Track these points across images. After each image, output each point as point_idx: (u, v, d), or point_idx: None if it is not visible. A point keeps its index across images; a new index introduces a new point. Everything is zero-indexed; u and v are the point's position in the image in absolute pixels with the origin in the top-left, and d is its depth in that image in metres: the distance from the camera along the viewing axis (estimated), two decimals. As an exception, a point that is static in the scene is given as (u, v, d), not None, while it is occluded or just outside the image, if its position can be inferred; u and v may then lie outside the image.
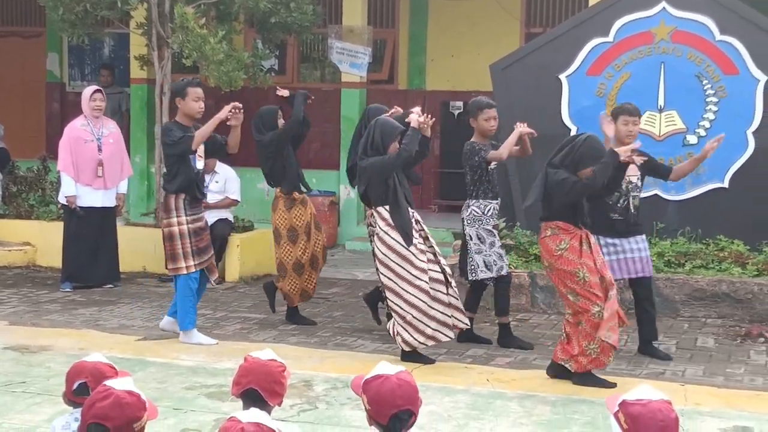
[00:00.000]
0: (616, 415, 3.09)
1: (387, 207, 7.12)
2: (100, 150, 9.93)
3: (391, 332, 7.29)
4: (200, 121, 7.88)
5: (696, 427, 5.92)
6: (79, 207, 9.86)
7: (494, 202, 7.85)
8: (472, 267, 7.81)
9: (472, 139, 7.92)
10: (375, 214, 7.24)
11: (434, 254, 7.24)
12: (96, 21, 11.23)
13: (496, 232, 7.87)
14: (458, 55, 14.21)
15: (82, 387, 3.61)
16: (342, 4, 13.11)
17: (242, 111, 7.75)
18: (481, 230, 7.78)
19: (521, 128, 7.72)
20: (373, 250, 7.34)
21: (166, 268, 7.91)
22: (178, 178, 7.69)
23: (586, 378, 6.72)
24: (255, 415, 3.00)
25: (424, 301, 7.07)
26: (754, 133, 9.61)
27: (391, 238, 7.09)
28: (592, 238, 6.84)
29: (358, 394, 3.35)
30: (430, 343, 7.20)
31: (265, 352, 3.67)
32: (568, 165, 6.67)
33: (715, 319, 8.81)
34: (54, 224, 10.76)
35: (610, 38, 9.93)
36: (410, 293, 7.06)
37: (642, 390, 3.11)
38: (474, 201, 7.82)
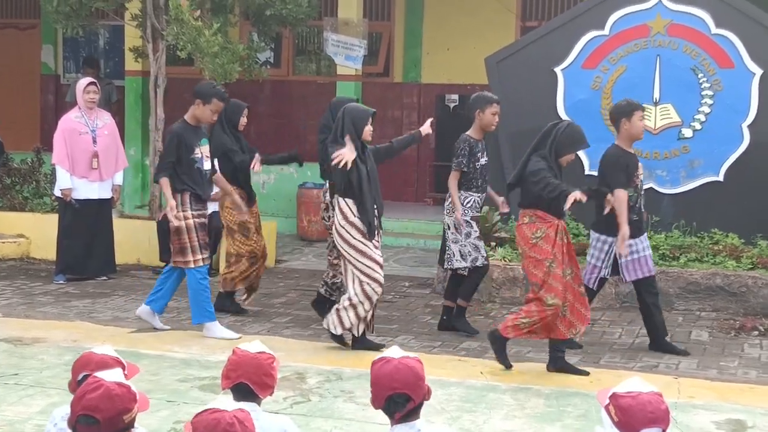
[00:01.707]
0: (606, 407, 3.09)
1: (349, 200, 7.19)
2: (95, 142, 9.91)
3: (330, 320, 7.36)
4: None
5: (689, 420, 5.92)
6: (75, 199, 9.84)
7: (476, 195, 7.92)
8: (448, 256, 7.99)
9: (467, 133, 7.96)
10: (336, 203, 7.32)
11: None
12: (90, 13, 11.20)
13: (474, 223, 7.91)
14: (454, 48, 14.18)
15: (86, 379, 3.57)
16: (337, -4, 13.07)
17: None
18: None
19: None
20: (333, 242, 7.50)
21: (170, 260, 7.91)
22: (182, 177, 7.72)
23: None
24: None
25: (375, 293, 7.23)
26: (749, 126, 9.60)
27: (348, 233, 7.20)
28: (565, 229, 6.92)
29: None
30: (360, 329, 7.31)
31: (253, 344, 3.66)
32: (551, 152, 6.78)
33: (709, 313, 8.81)
34: (48, 216, 10.74)
35: (605, 31, 9.92)
36: (368, 284, 7.19)
37: (632, 382, 3.11)
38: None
